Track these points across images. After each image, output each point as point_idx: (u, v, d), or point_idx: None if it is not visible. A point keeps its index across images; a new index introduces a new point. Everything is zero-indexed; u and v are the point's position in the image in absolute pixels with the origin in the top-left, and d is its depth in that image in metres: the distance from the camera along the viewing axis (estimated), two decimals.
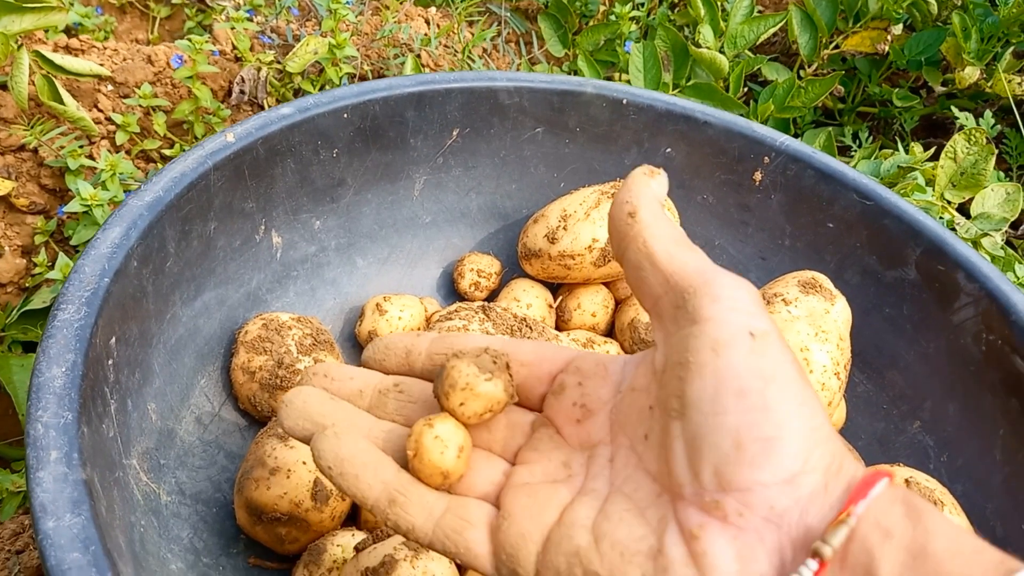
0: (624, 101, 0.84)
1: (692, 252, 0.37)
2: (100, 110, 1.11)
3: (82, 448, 0.49)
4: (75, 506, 0.46)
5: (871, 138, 1.36)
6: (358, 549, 0.59)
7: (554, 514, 0.37)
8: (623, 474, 0.37)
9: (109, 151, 1.08)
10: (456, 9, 1.31)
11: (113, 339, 0.58)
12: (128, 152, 1.10)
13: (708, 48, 1.24)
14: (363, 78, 1.20)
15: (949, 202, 0.94)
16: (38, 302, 1.02)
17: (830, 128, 1.28)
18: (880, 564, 0.30)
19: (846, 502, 0.31)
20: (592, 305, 0.83)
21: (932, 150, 1.06)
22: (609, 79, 1.31)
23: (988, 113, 1.19)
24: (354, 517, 0.67)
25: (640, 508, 0.35)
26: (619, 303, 0.86)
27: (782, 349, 0.34)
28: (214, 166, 0.67)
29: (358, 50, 1.21)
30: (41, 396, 0.51)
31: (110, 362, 0.57)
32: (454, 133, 0.83)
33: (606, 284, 0.86)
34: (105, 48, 1.20)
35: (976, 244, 0.90)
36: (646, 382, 0.38)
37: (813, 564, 0.30)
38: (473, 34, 1.27)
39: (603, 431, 0.40)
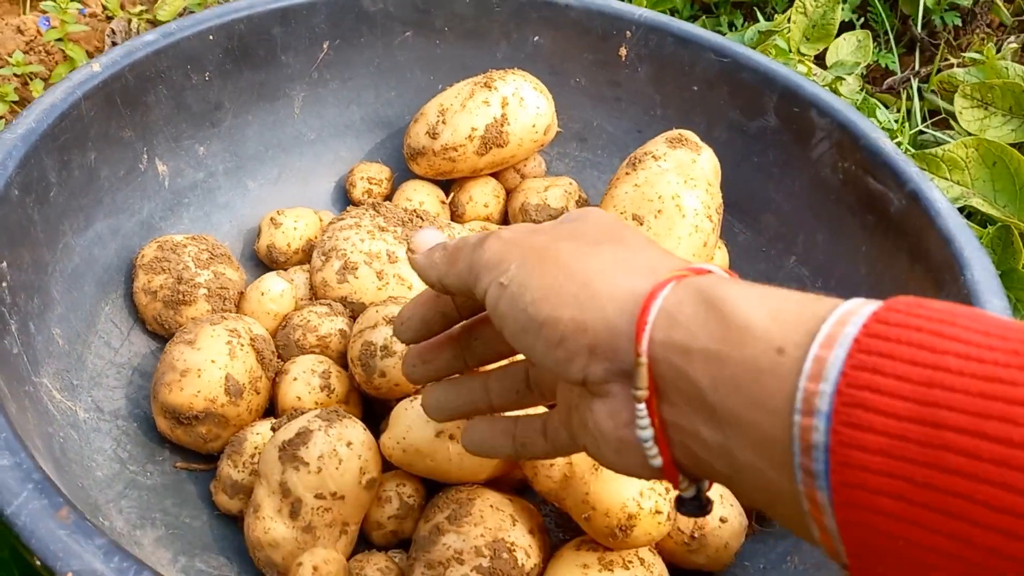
0: None
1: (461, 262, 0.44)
2: None
3: None
4: None
5: (746, 24, 1.41)
6: (274, 429, 0.62)
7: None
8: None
9: None
10: None
11: (4, 263, 0.59)
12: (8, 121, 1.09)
13: None
14: None
15: (804, 55, 0.99)
16: None
17: (705, 18, 1.32)
18: (697, 379, 0.32)
19: (634, 339, 0.35)
20: (483, 196, 0.87)
21: (790, 10, 1.10)
22: None
23: None
24: (272, 411, 0.70)
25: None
26: (509, 192, 0.90)
27: (523, 280, 0.39)
28: (84, 95, 0.68)
29: None
30: None
31: (3, 284, 0.59)
32: (324, 46, 0.85)
33: (494, 176, 0.89)
34: None
35: (834, 91, 0.95)
36: None
37: (641, 407, 0.35)
38: None
39: None
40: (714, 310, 0.33)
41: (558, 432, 0.46)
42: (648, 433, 0.35)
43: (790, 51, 0.98)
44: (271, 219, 0.80)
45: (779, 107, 0.81)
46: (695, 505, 0.38)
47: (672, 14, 1.36)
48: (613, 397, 0.37)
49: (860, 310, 0.30)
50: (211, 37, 0.77)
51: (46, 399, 0.60)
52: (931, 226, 0.67)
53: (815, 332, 0.29)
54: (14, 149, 0.62)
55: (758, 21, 1.45)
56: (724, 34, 1.38)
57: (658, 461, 0.36)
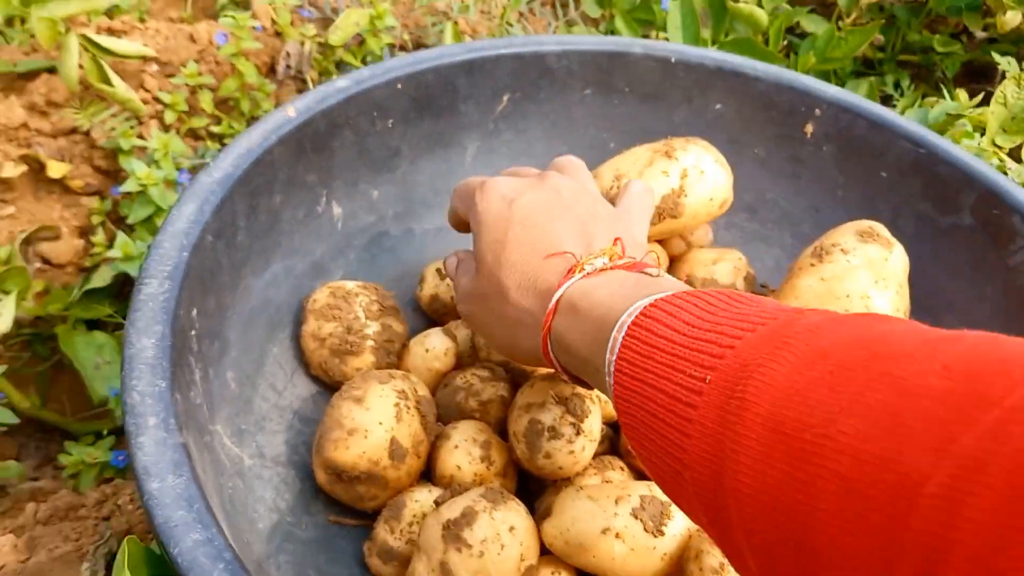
0: (673, 60, 0.84)
1: None
2: (147, 90, 1.13)
3: (177, 414, 0.51)
4: (176, 467, 0.49)
5: (912, 86, 1.35)
6: (437, 503, 0.61)
7: None
8: None
9: (159, 130, 1.09)
10: None
11: (194, 311, 0.60)
12: (177, 130, 1.12)
13: (746, 2, 1.24)
14: (403, 47, 1.21)
15: (1000, 147, 0.94)
16: (98, 281, 1.05)
17: (871, 78, 1.27)
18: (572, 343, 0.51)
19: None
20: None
21: (979, 97, 1.05)
22: (646, 38, 1.30)
23: None
24: (427, 474, 0.69)
25: None
26: (673, 260, 0.87)
27: (518, 231, 0.58)
28: (278, 140, 0.69)
29: (397, 19, 1.22)
30: (134, 366, 0.53)
31: (192, 333, 0.59)
32: (504, 99, 0.84)
33: (660, 242, 0.87)
34: (147, 28, 1.21)
35: None
36: None
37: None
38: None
39: None
40: (575, 312, 0.51)
41: None
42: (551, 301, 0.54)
43: (977, 138, 0.93)
44: (437, 269, 0.80)
45: (977, 207, 0.76)
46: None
47: (835, 74, 1.32)
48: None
49: (625, 319, 0.47)
50: (399, 86, 0.77)
51: (219, 447, 0.61)
52: None
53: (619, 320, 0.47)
54: (212, 195, 0.63)
55: (925, 82, 1.39)
56: (890, 96, 1.32)
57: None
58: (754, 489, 0.34)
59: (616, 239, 0.56)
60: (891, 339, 0.34)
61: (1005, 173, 0.93)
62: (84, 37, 1.03)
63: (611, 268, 0.53)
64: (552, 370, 0.59)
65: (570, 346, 0.51)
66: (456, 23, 1.21)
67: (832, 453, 0.31)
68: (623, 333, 0.45)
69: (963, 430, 0.28)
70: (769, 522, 0.34)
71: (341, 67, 1.18)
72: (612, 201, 0.71)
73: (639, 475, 0.70)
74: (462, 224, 0.66)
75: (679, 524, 0.59)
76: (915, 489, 0.28)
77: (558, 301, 0.53)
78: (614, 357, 0.45)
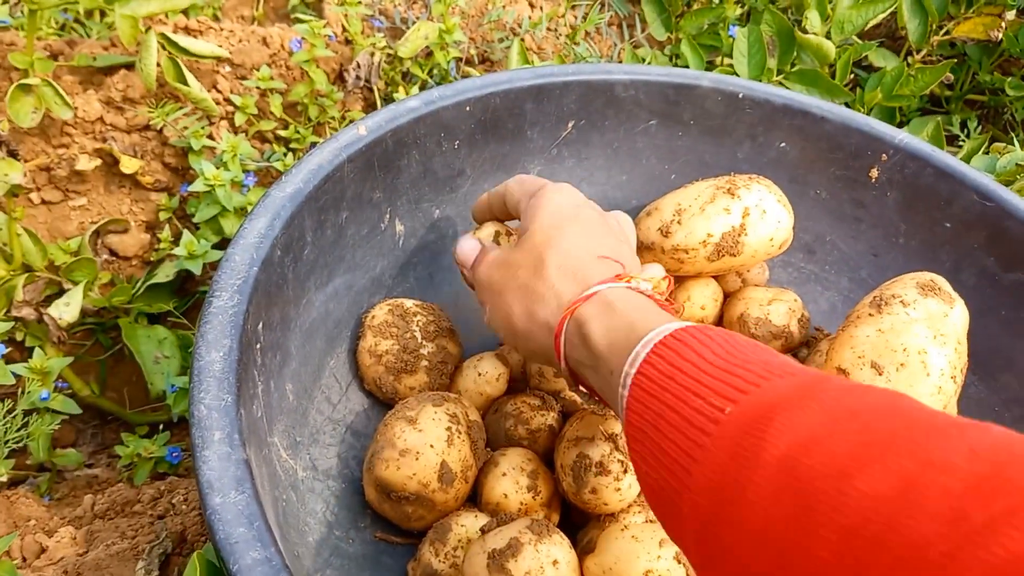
0: (740, 95, 0.84)
1: None
2: (219, 91, 1.15)
3: (241, 429, 0.53)
4: (238, 484, 0.50)
5: (980, 128, 1.33)
6: (483, 531, 0.62)
7: None
8: None
9: (228, 131, 1.12)
10: None
11: (260, 324, 0.61)
12: (246, 133, 1.15)
13: (815, 33, 1.23)
14: (469, 62, 1.22)
15: None
16: (161, 276, 1.08)
17: (938, 117, 1.25)
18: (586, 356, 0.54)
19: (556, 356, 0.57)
20: (702, 298, 0.85)
21: None
22: (711, 63, 1.30)
23: None
24: (474, 498, 0.70)
25: None
26: (727, 296, 0.87)
27: (491, 323, 0.64)
28: (348, 158, 0.70)
29: (464, 34, 1.23)
30: (203, 379, 0.54)
31: (258, 346, 0.61)
32: (569, 125, 0.85)
33: (715, 277, 0.87)
34: (221, 29, 1.24)
35: None
36: None
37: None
38: (576, 17, 1.27)
39: None
40: (582, 333, 0.54)
41: None
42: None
43: None
44: None
45: None
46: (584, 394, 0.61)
47: (900, 111, 1.30)
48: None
49: (654, 336, 0.48)
50: (468, 108, 0.78)
51: (275, 460, 0.62)
52: None
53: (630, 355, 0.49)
54: (282, 210, 0.65)
55: (993, 124, 1.37)
56: (956, 136, 1.31)
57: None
58: (755, 525, 0.36)
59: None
60: (921, 415, 0.36)
61: None
62: (163, 36, 1.06)
63: (650, 296, 0.56)
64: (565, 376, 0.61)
65: (589, 336, 0.53)
66: (523, 40, 1.22)
67: (842, 506, 0.33)
68: (648, 349, 0.47)
69: (978, 509, 0.29)
70: (764, 559, 0.35)
71: (408, 78, 1.20)
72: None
73: None
74: (491, 211, 0.70)
75: None
76: (918, 553, 0.29)
77: (595, 293, 0.54)
78: (634, 369, 0.47)
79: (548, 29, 1.28)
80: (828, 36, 1.25)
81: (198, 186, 1.03)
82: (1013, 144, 1.05)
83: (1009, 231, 0.77)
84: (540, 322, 0.57)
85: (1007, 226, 0.77)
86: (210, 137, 1.12)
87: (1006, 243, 0.77)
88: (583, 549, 0.64)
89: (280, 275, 0.65)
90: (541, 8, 1.31)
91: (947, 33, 1.30)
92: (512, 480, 0.67)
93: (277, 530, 0.57)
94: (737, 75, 1.17)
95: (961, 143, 1.27)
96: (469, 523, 0.65)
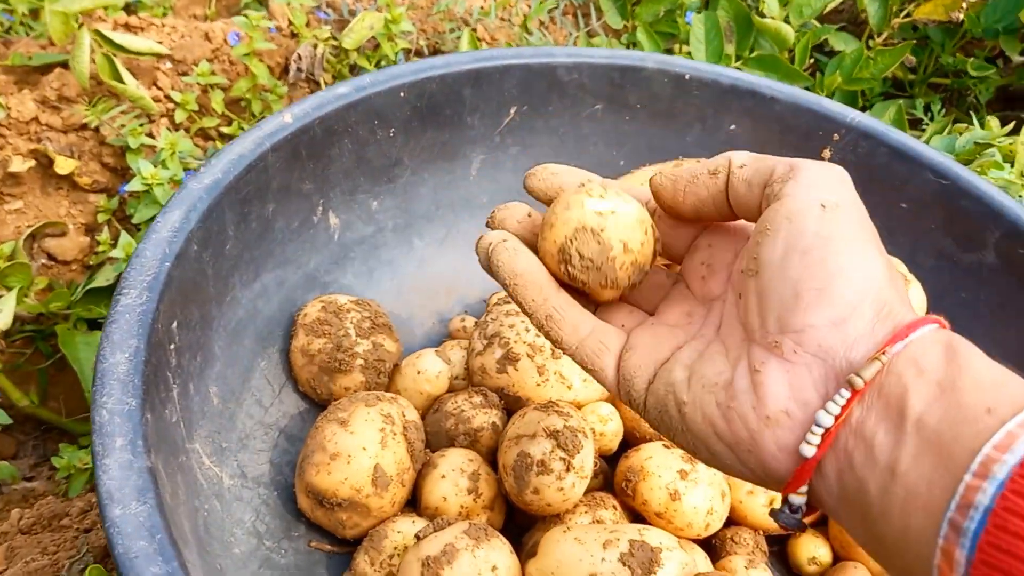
0: (687, 76, 0.81)
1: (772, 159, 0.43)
2: (159, 88, 1.11)
3: (146, 435, 0.49)
4: (140, 494, 0.47)
5: (943, 110, 1.31)
6: (419, 537, 0.59)
7: (667, 352, 0.44)
8: (726, 323, 0.43)
9: (168, 129, 1.08)
10: None
11: (175, 323, 0.58)
12: (187, 130, 1.11)
13: (773, 18, 1.20)
14: (419, 53, 1.19)
15: None
16: (101, 280, 1.04)
17: (900, 100, 1.23)
18: (911, 396, 0.34)
19: (885, 343, 0.35)
20: None
21: (1011, 125, 1.01)
22: (669, 51, 1.27)
23: None
24: (413, 502, 0.67)
25: (727, 350, 0.41)
26: None
27: (851, 217, 0.39)
28: (272, 147, 0.67)
29: (413, 24, 1.20)
30: (105, 382, 0.51)
31: (172, 347, 0.57)
32: (512, 111, 0.82)
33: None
34: (164, 25, 1.20)
35: None
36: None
37: (846, 393, 0.35)
38: (529, 6, 1.24)
39: (722, 287, 0.45)
40: (954, 357, 0.34)
41: (642, 375, 0.44)
42: (833, 415, 0.36)
43: (1010, 170, 0.89)
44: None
45: (1001, 244, 0.72)
46: (796, 519, 0.39)
47: (862, 95, 1.28)
48: (807, 372, 0.37)
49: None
50: (402, 94, 0.75)
51: (196, 467, 0.59)
52: None
53: (1019, 412, 0.31)
54: (199, 202, 0.61)
55: (957, 106, 1.35)
56: (920, 120, 1.28)
57: (811, 450, 0.36)
58: None
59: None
60: None
61: None
62: (96, 32, 1.02)
63: None
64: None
65: (907, 409, 0.34)
66: (474, 30, 1.19)
67: None
68: (996, 484, 0.31)
69: None
70: None
71: (355, 71, 1.16)
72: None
73: (633, 515, 0.67)
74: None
75: (669, 572, 0.56)
76: None
77: (940, 326, 0.37)
78: (986, 499, 0.30)
79: (501, 19, 1.25)
80: (787, 20, 1.22)
81: (136, 185, 0.99)
82: (974, 124, 1.03)
83: (966, 210, 0.74)
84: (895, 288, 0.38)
85: (964, 205, 0.74)
86: (150, 135, 1.08)
87: (963, 223, 0.75)
88: (527, 553, 0.60)
89: (198, 271, 0.61)
90: None
91: (908, 15, 1.28)
92: (452, 482, 0.63)
93: (195, 543, 0.54)
94: None
95: (925, 127, 1.25)
96: (406, 529, 0.62)
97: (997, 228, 0.72)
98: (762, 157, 0.43)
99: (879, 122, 0.79)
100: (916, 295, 0.68)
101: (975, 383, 0.33)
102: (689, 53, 1.18)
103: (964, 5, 1.28)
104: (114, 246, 1.02)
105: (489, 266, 0.48)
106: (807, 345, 0.37)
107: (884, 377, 0.35)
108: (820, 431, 0.36)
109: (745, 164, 0.43)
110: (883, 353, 0.35)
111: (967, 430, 0.32)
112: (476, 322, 0.77)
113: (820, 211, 0.38)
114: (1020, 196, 0.89)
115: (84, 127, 1.07)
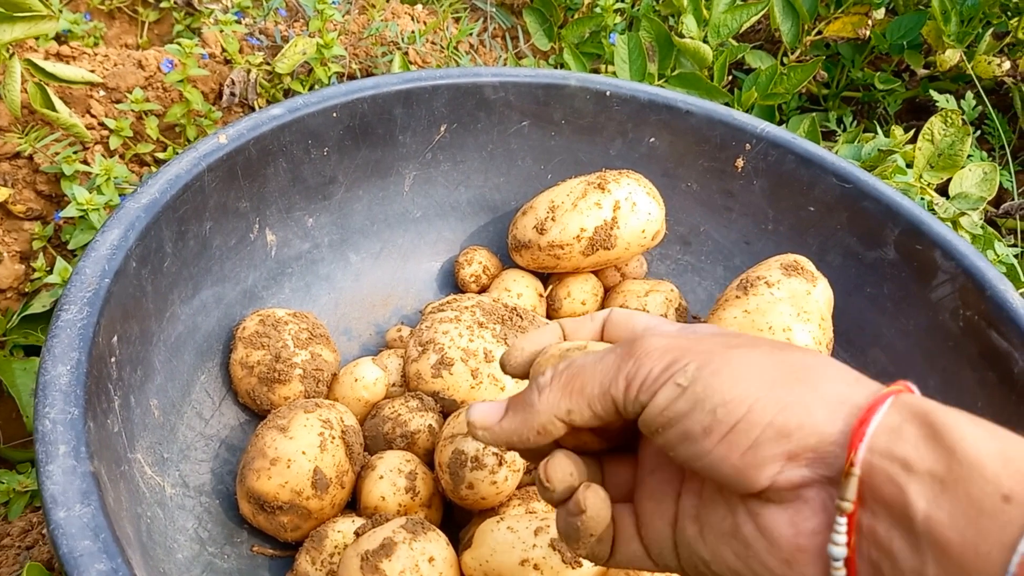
0: (607, 93, 0.86)
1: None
2: (93, 116, 1.12)
3: (88, 442, 0.51)
4: (84, 497, 0.48)
5: (855, 122, 1.38)
6: (358, 534, 0.61)
7: (671, 505, 0.42)
8: None
9: (103, 156, 1.09)
10: (441, 5, 1.33)
11: (115, 338, 0.59)
12: (122, 156, 1.12)
13: (692, 38, 1.26)
14: (352, 77, 1.22)
15: (928, 183, 0.96)
16: (38, 306, 1.04)
17: (814, 114, 1.30)
18: (910, 498, 0.32)
19: (848, 446, 0.34)
20: (582, 293, 0.85)
21: (912, 132, 1.07)
22: (595, 71, 1.32)
23: (969, 95, 1.21)
24: (353, 504, 0.69)
25: (720, 486, 0.40)
26: (607, 291, 0.88)
27: (708, 381, 0.37)
28: (208, 167, 0.69)
29: (346, 49, 1.23)
30: (48, 393, 0.52)
31: (113, 360, 0.59)
32: (442, 129, 0.85)
33: (595, 272, 0.88)
34: (96, 54, 1.21)
35: (955, 224, 0.92)
36: None
37: (843, 520, 0.34)
38: (460, 30, 1.28)
39: None
40: (939, 436, 0.32)
41: (664, 540, 0.42)
42: (842, 544, 0.34)
43: (910, 173, 0.95)
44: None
45: (900, 241, 0.78)
46: None
47: (779, 109, 1.34)
48: (803, 503, 0.36)
49: None
50: (335, 114, 0.77)
51: (138, 476, 0.60)
52: None
53: None
54: (137, 220, 0.63)
55: (868, 118, 1.42)
56: (833, 132, 1.35)
57: (841, 574, 0.34)
58: None
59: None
60: None
61: (931, 209, 0.96)
62: (28, 62, 1.03)
63: None
64: None
65: (913, 472, 0.33)
66: (405, 54, 1.22)
67: None
68: None
69: None
70: None
71: (289, 95, 1.19)
72: None
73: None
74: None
75: None
76: None
77: (895, 395, 0.35)
78: None
79: (431, 42, 1.29)
80: (705, 40, 1.28)
81: (71, 211, 1.00)
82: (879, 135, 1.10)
83: (867, 211, 0.80)
84: (819, 394, 0.36)
85: (865, 206, 0.80)
86: (84, 162, 1.09)
87: (865, 222, 0.80)
88: (464, 545, 0.63)
89: (137, 287, 0.63)
90: (424, 22, 1.32)
91: (819, 33, 1.35)
92: (390, 482, 0.66)
93: (139, 547, 0.55)
94: None
95: (838, 138, 1.31)
96: (346, 528, 0.64)
97: (896, 227, 0.78)
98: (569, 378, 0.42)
99: (786, 132, 0.84)
100: (822, 290, 0.73)
101: (976, 467, 0.31)
102: (614, 73, 1.23)
103: (871, 22, 1.35)
104: (50, 272, 1.03)
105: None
106: (784, 488, 0.36)
107: (873, 480, 0.33)
108: (839, 564, 0.34)
109: (586, 420, 0.42)
110: (852, 466, 0.33)
111: (989, 526, 0.30)
112: (411, 330, 0.80)
113: (680, 390, 0.38)
114: (920, 198, 0.95)
115: (17, 155, 1.08)
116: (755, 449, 0.35)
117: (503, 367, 0.48)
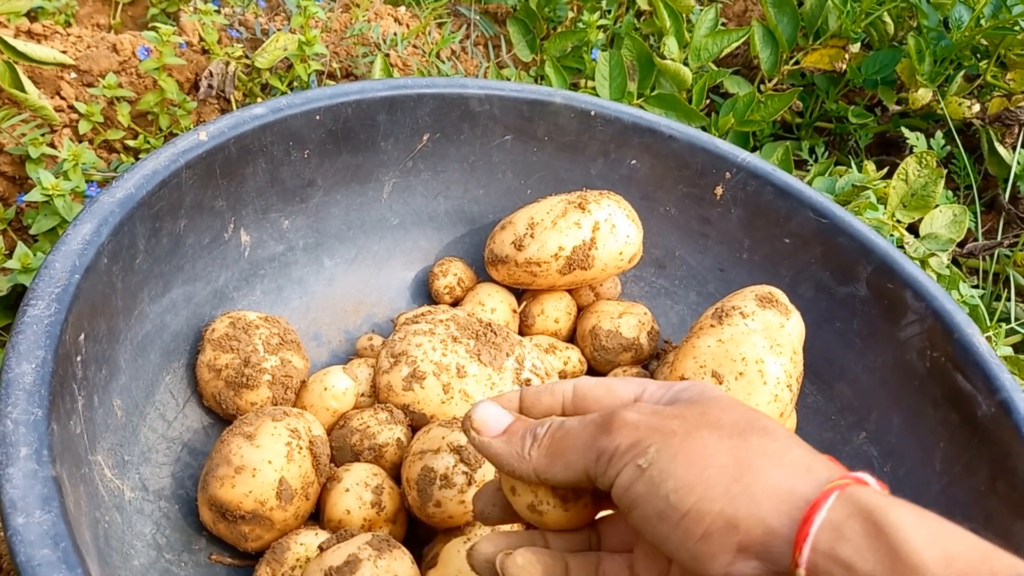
0: (592, 112, 0.86)
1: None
2: (63, 98, 1.10)
3: (52, 445, 0.50)
4: (45, 503, 0.47)
5: (827, 153, 1.40)
6: (322, 548, 0.60)
7: (665, 566, 0.43)
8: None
9: (72, 140, 1.06)
10: (425, 10, 1.32)
11: (82, 335, 0.58)
12: (91, 142, 1.09)
13: (673, 59, 1.27)
14: (332, 76, 1.21)
15: (899, 221, 0.98)
16: None
17: (788, 142, 1.31)
18: None
19: (794, 544, 0.34)
20: (555, 311, 0.85)
21: (885, 170, 1.09)
22: (575, 86, 1.33)
23: (939, 134, 1.23)
24: (316, 516, 0.68)
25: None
26: (581, 310, 0.88)
27: (664, 466, 0.38)
28: (186, 164, 0.68)
29: (327, 47, 1.21)
30: (11, 392, 0.51)
31: (79, 358, 0.57)
32: (424, 138, 0.84)
33: (569, 291, 0.87)
34: (68, 35, 1.18)
35: (924, 263, 0.93)
36: None
37: None
38: (442, 36, 1.28)
39: None
40: (883, 536, 0.33)
41: None
42: None
43: (882, 209, 0.97)
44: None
45: (872, 279, 0.79)
46: None
47: (753, 136, 1.36)
48: None
49: None
50: (318, 117, 0.76)
51: (98, 479, 0.59)
52: (1021, 444, 0.64)
53: None
54: (111, 215, 0.61)
55: (839, 149, 1.44)
56: (805, 161, 1.37)
57: None
58: None
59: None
60: None
61: (902, 247, 0.97)
62: None
63: None
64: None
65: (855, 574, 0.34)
66: (387, 56, 1.21)
67: None
68: None
69: None
70: None
71: (267, 90, 1.17)
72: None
73: (528, 527, 0.70)
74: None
75: None
76: None
77: (840, 489, 0.36)
78: None
79: (413, 46, 1.28)
80: (686, 63, 1.29)
81: (35, 196, 0.97)
82: (852, 168, 1.11)
83: (841, 246, 0.80)
84: (766, 486, 0.37)
85: (839, 242, 0.81)
86: (51, 146, 1.06)
87: (839, 258, 0.81)
88: (427, 565, 0.62)
89: (107, 284, 0.61)
90: (408, 25, 1.31)
91: (797, 63, 1.36)
92: (355, 496, 0.65)
93: (96, 553, 0.54)
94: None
95: (809, 167, 1.33)
96: (309, 541, 0.63)
97: (868, 264, 0.79)
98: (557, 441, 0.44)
99: (766, 163, 0.85)
100: (795, 323, 0.73)
101: (919, 571, 0.32)
102: (594, 88, 1.23)
103: (847, 56, 1.37)
104: (9, 256, 1.00)
105: None
106: (711, 569, 0.37)
107: None
108: None
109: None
110: (797, 566, 0.34)
111: None
112: (384, 341, 0.79)
113: (640, 472, 0.39)
114: (891, 235, 0.97)
115: None
116: (707, 539, 0.36)
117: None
